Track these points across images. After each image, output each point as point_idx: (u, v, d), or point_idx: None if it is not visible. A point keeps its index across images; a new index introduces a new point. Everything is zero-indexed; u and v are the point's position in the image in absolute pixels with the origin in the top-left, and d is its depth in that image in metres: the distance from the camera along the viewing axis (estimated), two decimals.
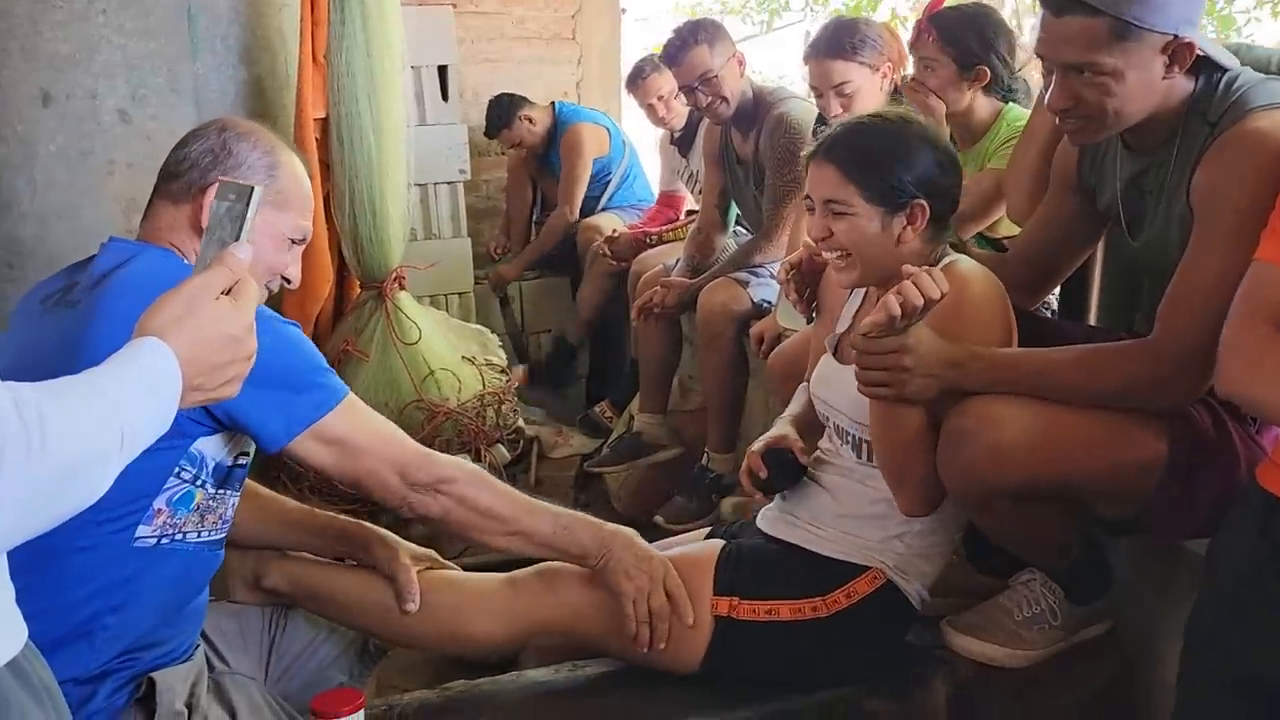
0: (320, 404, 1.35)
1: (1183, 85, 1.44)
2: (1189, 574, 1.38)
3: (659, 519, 2.89)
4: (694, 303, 2.99)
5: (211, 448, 1.32)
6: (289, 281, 1.46)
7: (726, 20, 10.39)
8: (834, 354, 1.74)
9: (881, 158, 1.57)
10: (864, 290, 1.74)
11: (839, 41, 2.53)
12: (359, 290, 2.97)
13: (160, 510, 1.29)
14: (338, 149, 2.72)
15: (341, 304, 3.05)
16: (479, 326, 3.64)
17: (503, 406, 2.98)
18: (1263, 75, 1.44)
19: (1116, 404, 1.46)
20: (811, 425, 1.81)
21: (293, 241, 1.44)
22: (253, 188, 0.99)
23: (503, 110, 4.26)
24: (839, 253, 1.60)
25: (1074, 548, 1.63)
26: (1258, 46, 2.00)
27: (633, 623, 1.56)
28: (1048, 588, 1.69)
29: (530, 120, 4.26)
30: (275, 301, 1.52)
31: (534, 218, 4.58)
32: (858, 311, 1.75)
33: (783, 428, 1.82)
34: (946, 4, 2.28)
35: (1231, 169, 1.36)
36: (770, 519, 1.76)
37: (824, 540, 1.65)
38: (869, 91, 2.54)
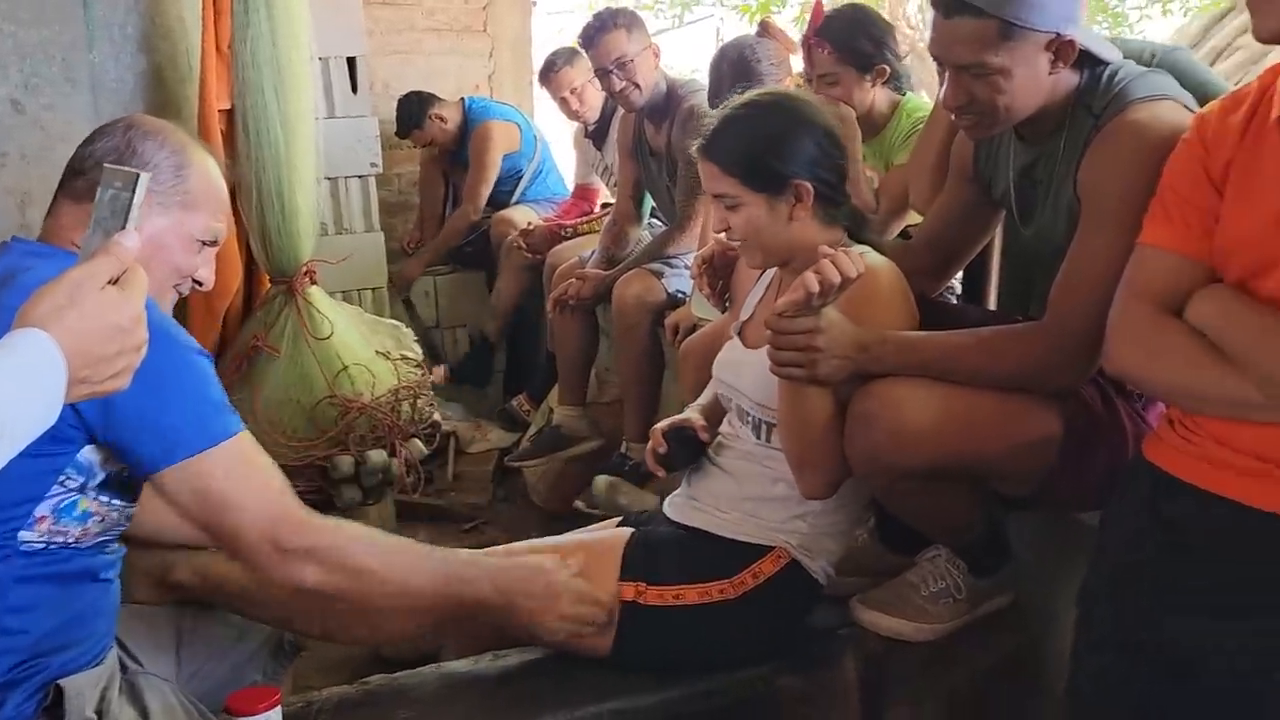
0: (207, 437, 1.26)
1: (1068, 79, 1.51)
2: (1083, 545, 1.44)
3: (579, 504, 2.90)
4: (609, 295, 3.01)
5: (100, 455, 1.26)
6: (201, 284, 1.43)
7: (640, 14, 10.45)
8: (740, 339, 1.77)
9: (755, 144, 1.61)
10: (768, 279, 1.78)
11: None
12: (268, 285, 2.92)
13: (43, 517, 1.23)
14: (244, 141, 2.66)
15: (250, 299, 2.99)
16: (393, 321, 3.59)
17: (418, 401, 2.95)
18: (1142, 68, 1.51)
19: (1014, 385, 1.52)
20: (719, 413, 1.84)
21: (204, 243, 1.40)
22: (138, 174, 0.93)
23: (413, 110, 4.22)
24: (741, 240, 1.66)
25: (977, 524, 1.69)
26: (1132, 39, 2.09)
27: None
28: (952, 563, 1.75)
29: (441, 119, 4.22)
30: (183, 300, 1.48)
31: (446, 213, 4.55)
32: (761, 300, 1.79)
33: (687, 412, 1.86)
34: (825, 13, 2.34)
35: (1113, 159, 1.42)
36: (676, 505, 1.79)
37: (728, 523, 1.69)
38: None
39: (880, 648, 1.73)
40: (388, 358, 2.96)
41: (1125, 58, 1.54)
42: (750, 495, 1.69)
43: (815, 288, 1.41)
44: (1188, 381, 1.20)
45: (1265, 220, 1.15)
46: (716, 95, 2.64)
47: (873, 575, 1.84)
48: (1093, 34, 1.50)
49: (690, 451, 1.78)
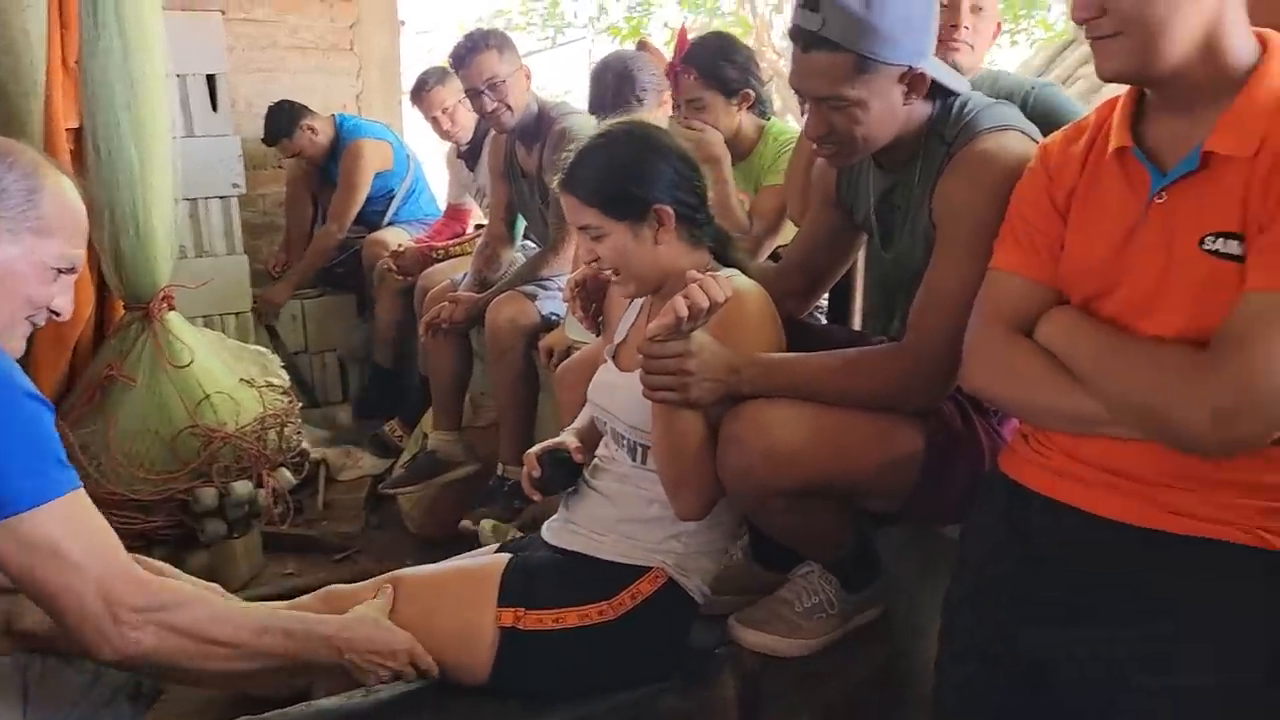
0: (33, 494, 1.19)
1: (922, 110, 1.57)
2: (947, 558, 1.49)
3: (466, 523, 2.85)
4: (483, 318, 2.98)
5: None
6: (58, 314, 1.36)
7: (512, 35, 10.46)
8: (614, 362, 1.78)
9: (612, 174, 1.62)
10: (641, 302, 1.80)
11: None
12: (122, 311, 2.79)
13: None
14: (94, 161, 2.54)
15: (103, 326, 2.85)
16: (258, 347, 3.48)
17: (285, 429, 2.86)
18: (989, 100, 1.59)
19: (878, 403, 1.57)
20: (596, 436, 1.85)
21: (59, 271, 1.33)
22: None
23: (284, 118, 4.10)
24: (610, 270, 1.67)
25: (847, 540, 1.73)
26: (1010, 74, 2.21)
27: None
28: (824, 579, 1.79)
29: (312, 130, 4.12)
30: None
31: (314, 234, 4.43)
32: (633, 324, 1.80)
33: (564, 435, 1.86)
34: (691, 41, 2.39)
35: (964, 186, 1.49)
36: (554, 530, 1.79)
37: (606, 545, 1.69)
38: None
39: (757, 665, 1.75)
40: (252, 385, 2.86)
41: (1004, 93, 1.64)
42: (626, 517, 1.70)
43: (684, 312, 1.43)
44: (1038, 398, 1.26)
45: (1105, 246, 1.23)
46: (599, 106, 2.66)
47: (748, 593, 1.86)
48: (942, 67, 1.57)
49: (565, 474, 1.78)
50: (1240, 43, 1.16)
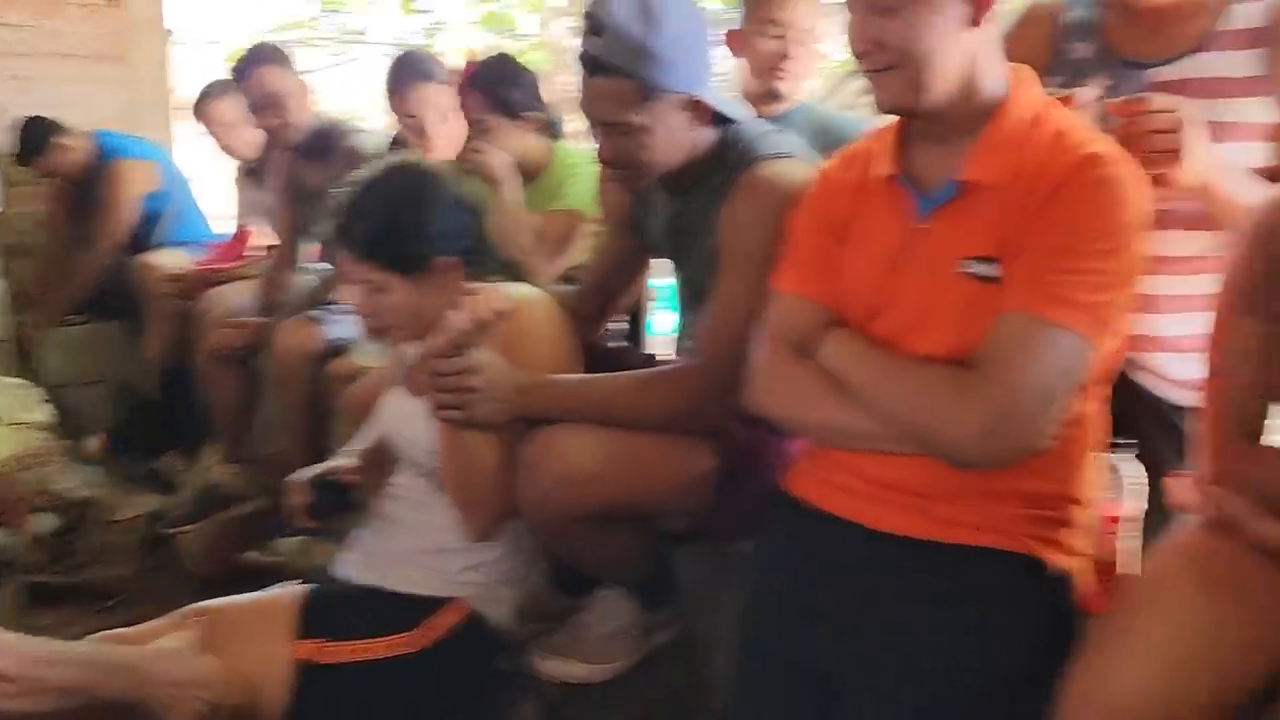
0: None
1: (705, 135, 1.62)
2: (741, 574, 1.52)
3: (252, 554, 2.69)
4: (268, 343, 2.84)
5: None
6: None
7: (304, 51, 10.12)
8: (405, 385, 1.74)
9: (388, 228, 1.58)
10: None
11: (421, 68, 2.61)
12: None
13: None
14: None
15: None
16: (17, 380, 3.20)
17: (46, 469, 2.63)
18: (769, 127, 1.66)
19: (670, 423, 1.58)
20: (379, 460, 1.78)
21: None
22: None
23: (35, 134, 3.78)
24: (380, 330, 1.63)
25: (644, 562, 1.74)
26: (821, 108, 2.31)
27: None
28: (623, 601, 1.79)
29: (66, 148, 3.80)
30: None
31: (79, 258, 4.07)
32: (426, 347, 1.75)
33: (338, 459, 1.79)
34: (475, 64, 2.39)
35: (745, 211, 1.54)
36: (350, 562, 1.72)
37: (405, 577, 1.64)
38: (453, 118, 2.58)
39: (560, 692, 1.74)
40: (4, 423, 2.62)
41: (822, 124, 1.78)
42: (425, 547, 1.66)
43: (460, 326, 1.43)
44: (820, 417, 1.31)
45: (875, 269, 1.29)
46: (394, 91, 2.62)
47: (549, 620, 1.84)
48: (722, 96, 1.62)
49: (337, 500, 1.72)
50: (995, 77, 1.24)
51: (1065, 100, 1.38)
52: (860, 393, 1.26)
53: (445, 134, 2.58)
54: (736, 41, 2.18)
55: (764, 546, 1.46)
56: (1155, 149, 1.35)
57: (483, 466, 1.54)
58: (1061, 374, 1.15)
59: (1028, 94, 1.25)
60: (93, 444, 3.66)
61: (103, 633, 1.59)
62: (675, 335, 2.09)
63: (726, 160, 1.61)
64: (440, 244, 1.59)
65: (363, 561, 1.70)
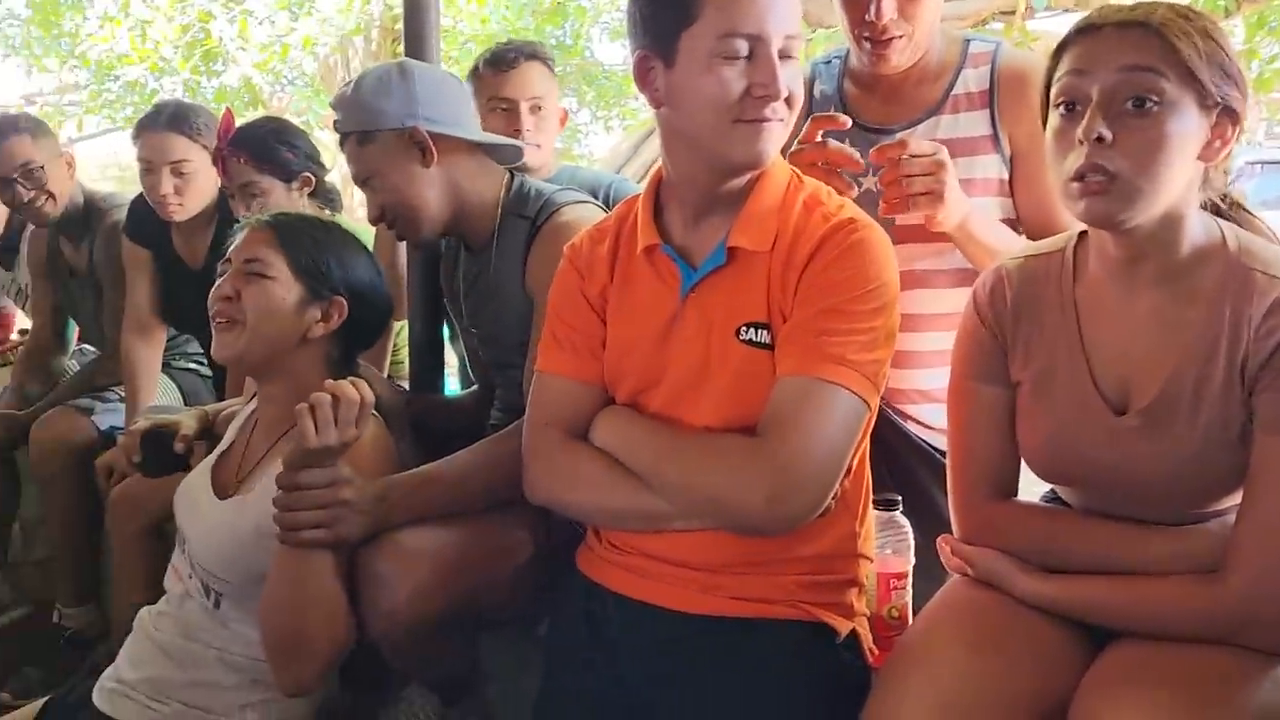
0: None
1: (486, 187, 1.68)
2: (540, 655, 1.46)
3: (4, 696, 2.43)
4: (26, 436, 2.60)
5: None
6: None
7: (89, 116, 9.52)
8: (212, 481, 1.58)
9: (321, 241, 1.56)
10: (244, 417, 1.65)
11: (180, 118, 2.42)
12: None
13: None
14: None
15: None
16: None
17: None
18: (551, 185, 1.75)
19: (517, 489, 1.45)
20: (220, 426, 1.71)
21: None
22: None
23: None
24: (228, 320, 1.50)
25: (465, 656, 1.65)
26: (583, 168, 2.33)
27: None
28: (424, 699, 1.68)
29: None
30: None
31: None
32: (234, 442, 1.63)
33: (182, 415, 1.75)
34: (235, 126, 2.26)
35: (553, 257, 1.47)
36: (108, 691, 1.54)
37: (167, 715, 1.48)
38: (206, 176, 2.42)
39: None
40: None
41: (585, 186, 1.84)
42: (190, 680, 1.49)
43: (350, 408, 1.31)
44: (603, 502, 1.27)
45: (644, 342, 1.27)
46: (148, 125, 2.43)
47: None
48: (452, 119, 1.66)
49: (164, 461, 1.65)
50: None
51: (824, 121, 1.43)
52: (642, 470, 1.23)
53: (194, 191, 2.42)
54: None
55: (557, 631, 1.42)
56: (917, 191, 1.41)
57: (324, 597, 1.36)
58: (843, 433, 1.16)
59: (782, 165, 1.28)
60: None
61: None
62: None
63: (523, 212, 1.64)
64: (349, 288, 1.56)
65: (121, 694, 1.52)
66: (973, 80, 1.65)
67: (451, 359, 2.22)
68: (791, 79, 1.18)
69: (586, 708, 1.29)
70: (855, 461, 1.24)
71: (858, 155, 1.44)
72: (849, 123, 1.49)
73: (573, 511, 1.35)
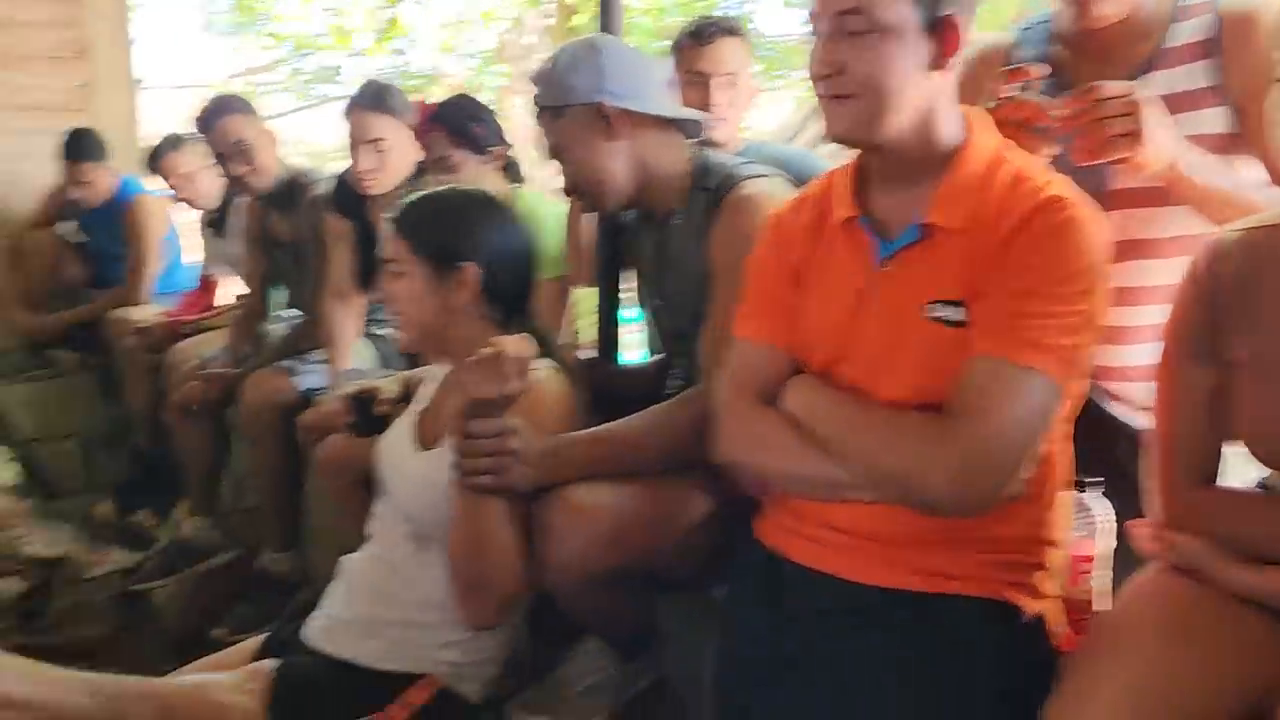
0: None
1: (672, 161, 1.71)
2: (715, 619, 1.50)
3: (218, 633, 2.65)
4: (238, 395, 2.81)
5: None
6: None
7: (280, 96, 10.13)
8: (416, 433, 1.69)
9: (434, 216, 1.61)
10: (438, 378, 1.74)
11: (380, 98, 2.54)
12: None
13: None
14: None
15: None
16: None
17: (10, 532, 2.58)
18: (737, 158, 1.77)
19: (690, 451, 1.53)
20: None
21: None
22: None
23: (86, 146, 3.74)
24: (395, 314, 1.63)
25: (640, 614, 1.71)
26: (770, 144, 2.35)
27: None
28: (603, 653, 1.75)
29: (100, 174, 3.75)
30: None
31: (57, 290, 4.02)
32: (432, 400, 1.72)
33: (386, 381, 1.89)
34: (434, 104, 2.37)
35: (739, 229, 1.55)
36: (320, 630, 1.66)
37: (375, 651, 1.59)
38: (402, 153, 2.54)
39: None
40: None
41: (772, 162, 1.82)
42: (397, 619, 1.60)
43: (507, 363, 1.39)
44: (787, 467, 1.29)
45: (836, 314, 1.27)
46: (353, 105, 2.56)
47: (527, 672, 1.80)
48: (639, 96, 1.68)
49: (370, 422, 1.78)
50: (952, 122, 1.24)
51: (1016, 74, 1.39)
52: (828, 442, 1.24)
53: (391, 166, 2.54)
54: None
55: (734, 597, 1.44)
56: (1114, 132, 1.34)
57: (500, 541, 1.47)
58: (1034, 418, 1.14)
59: (985, 138, 1.25)
60: (104, 508, 3.61)
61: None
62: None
63: (706, 184, 1.67)
64: (471, 253, 1.58)
65: (331, 629, 1.65)
66: (1188, 31, 1.54)
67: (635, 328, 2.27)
68: (850, 55, 1.18)
69: (763, 673, 1.31)
70: (1049, 446, 1.21)
71: (1051, 104, 1.37)
72: (1042, 73, 1.42)
73: (757, 474, 1.37)
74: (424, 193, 1.68)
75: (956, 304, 1.19)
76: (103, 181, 3.81)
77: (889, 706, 1.19)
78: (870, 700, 1.20)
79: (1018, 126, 1.37)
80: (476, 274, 1.58)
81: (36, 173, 4.03)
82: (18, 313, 3.89)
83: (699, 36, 2.23)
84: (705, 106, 2.15)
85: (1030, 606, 1.22)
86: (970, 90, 1.40)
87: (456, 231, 1.60)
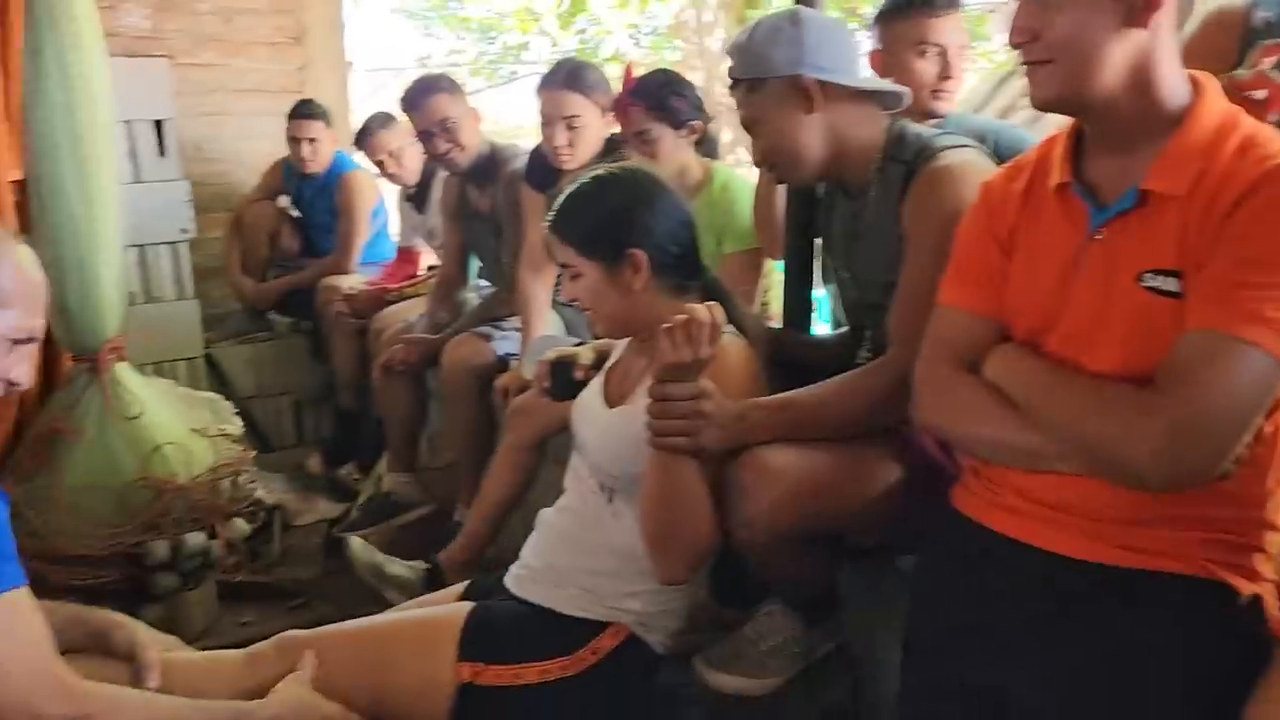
0: None
1: (866, 132, 1.70)
2: (902, 589, 1.51)
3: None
4: (437, 359, 2.97)
5: None
6: (17, 384, 1.36)
7: (468, 77, 10.52)
8: (604, 393, 1.77)
9: (590, 215, 1.65)
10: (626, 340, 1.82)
11: (575, 76, 2.62)
12: (69, 363, 2.74)
13: None
14: (39, 213, 2.51)
15: (50, 379, 2.80)
16: (211, 395, 3.44)
17: (239, 478, 2.82)
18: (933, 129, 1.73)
19: (875, 421, 1.58)
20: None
21: (15, 342, 1.33)
22: None
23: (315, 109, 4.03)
24: (588, 310, 1.69)
25: (826, 578, 1.75)
26: (971, 116, 2.30)
27: None
28: (788, 616, 1.79)
29: (315, 143, 4.01)
30: None
31: (275, 258, 4.31)
32: (619, 360, 1.80)
33: (583, 348, 1.94)
34: (637, 76, 2.42)
35: (936, 200, 1.55)
36: (516, 577, 1.78)
37: (566, 598, 1.68)
38: (595, 130, 2.62)
39: (723, 704, 1.75)
40: (205, 434, 2.82)
41: (973, 133, 1.81)
42: (587, 568, 1.69)
43: (700, 329, 1.43)
44: (986, 434, 1.28)
45: (1045, 284, 1.26)
46: (547, 83, 2.65)
47: (709, 630, 1.86)
48: (837, 70, 1.68)
49: (568, 387, 1.84)
50: (1173, 83, 1.20)
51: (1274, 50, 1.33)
52: (1031, 410, 1.23)
53: (584, 142, 2.61)
54: (880, 62, 2.18)
55: (927, 566, 1.45)
56: None
57: (689, 501, 1.51)
58: (1249, 394, 1.09)
59: (1213, 101, 1.20)
60: (313, 462, 3.91)
61: (288, 634, 1.69)
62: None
63: (900, 156, 1.66)
64: (636, 239, 1.61)
65: (526, 578, 1.75)
66: None
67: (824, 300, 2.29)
68: (1042, 19, 1.17)
69: (955, 643, 1.31)
70: (1271, 426, 1.16)
71: None
72: None
73: (954, 440, 1.38)
74: (569, 192, 1.68)
75: (1172, 274, 1.15)
76: (325, 146, 4.04)
77: (1091, 680, 1.18)
78: (1072, 673, 1.19)
79: (1243, 98, 1.32)
80: (644, 257, 1.63)
81: (258, 151, 4.36)
82: (240, 279, 4.21)
83: (934, 6, 2.16)
84: (934, 79, 2.12)
85: (1246, 588, 1.18)
86: (1203, 50, 1.35)
87: (615, 224, 1.63)
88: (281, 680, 1.54)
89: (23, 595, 1.24)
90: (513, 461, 2.41)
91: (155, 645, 1.51)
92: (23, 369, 1.36)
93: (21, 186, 2.63)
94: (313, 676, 1.55)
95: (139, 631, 1.52)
